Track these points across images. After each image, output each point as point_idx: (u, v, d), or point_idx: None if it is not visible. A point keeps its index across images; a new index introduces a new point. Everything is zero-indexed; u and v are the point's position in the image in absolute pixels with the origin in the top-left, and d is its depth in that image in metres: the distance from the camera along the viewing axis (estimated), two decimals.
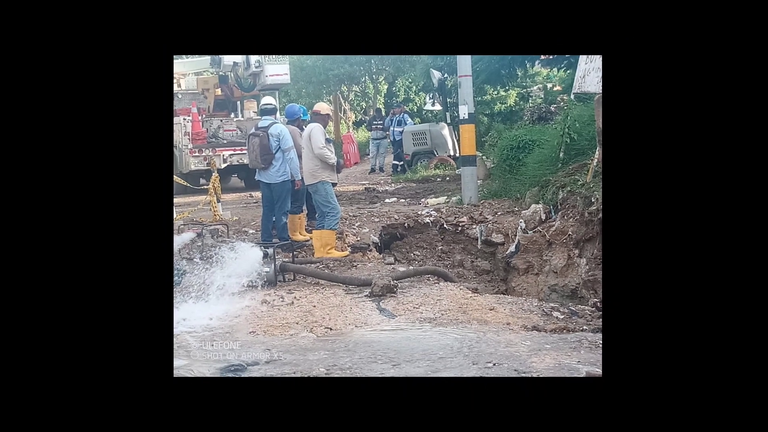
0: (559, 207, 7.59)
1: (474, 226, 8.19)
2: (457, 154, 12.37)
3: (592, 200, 6.85)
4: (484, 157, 11.73)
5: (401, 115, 15.97)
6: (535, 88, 19.88)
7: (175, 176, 9.42)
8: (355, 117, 25.06)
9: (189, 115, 13.09)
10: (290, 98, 20.87)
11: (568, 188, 7.54)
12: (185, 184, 10.23)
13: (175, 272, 5.47)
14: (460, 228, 8.28)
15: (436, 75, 14.48)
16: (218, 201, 8.86)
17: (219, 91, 15.15)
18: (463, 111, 9.33)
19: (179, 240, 6.45)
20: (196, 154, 12.83)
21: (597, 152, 7.18)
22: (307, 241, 7.37)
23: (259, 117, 9.62)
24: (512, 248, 7.69)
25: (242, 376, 3.62)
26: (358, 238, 7.71)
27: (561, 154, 8.29)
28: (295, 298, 5.29)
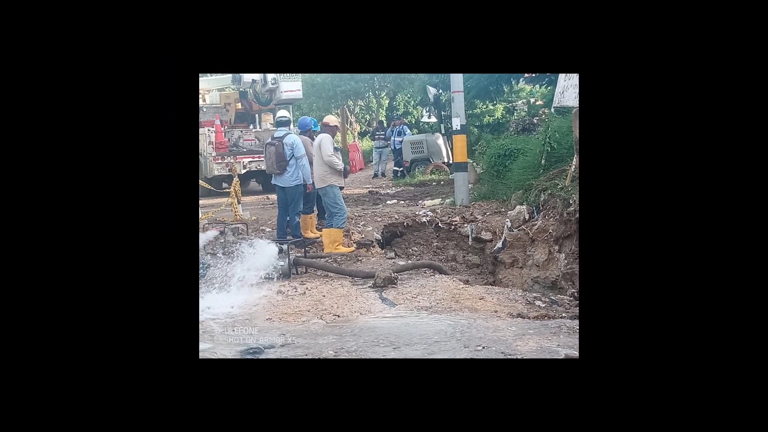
0: (541, 208, 7.58)
1: (465, 225, 8.19)
2: (451, 161, 12.35)
3: (570, 202, 6.84)
4: (474, 163, 11.71)
5: (401, 127, 15.96)
6: (520, 102, 19.82)
7: (200, 181, 9.42)
8: (360, 128, 25.01)
9: (213, 127, 13.09)
10: (302, 111, 20.83)
11: (549, 191, 7.53)
12: (209, 187, 10.23)
13: (201, 266, 5.47)
14: (453, 227, 8.27)
15: (432, 91, 14.46)
16: (239, 202, 8.86)
17: (239, 105, 15.12)
18: (456, 123, 9.33)
19: (204, 237, 6.45)
20: (219, 161, 12.83)
21: (574, 159, 7.16)
22: (318, 238, 7.36)
23: (275, 128, 9.60)
24: (499, 244, 7.68)
25: (260, 357, 3.63)
26: (363, 236, 7.70)
27: (543, 161, 8.28)
28: (306, 288, 5.29)
